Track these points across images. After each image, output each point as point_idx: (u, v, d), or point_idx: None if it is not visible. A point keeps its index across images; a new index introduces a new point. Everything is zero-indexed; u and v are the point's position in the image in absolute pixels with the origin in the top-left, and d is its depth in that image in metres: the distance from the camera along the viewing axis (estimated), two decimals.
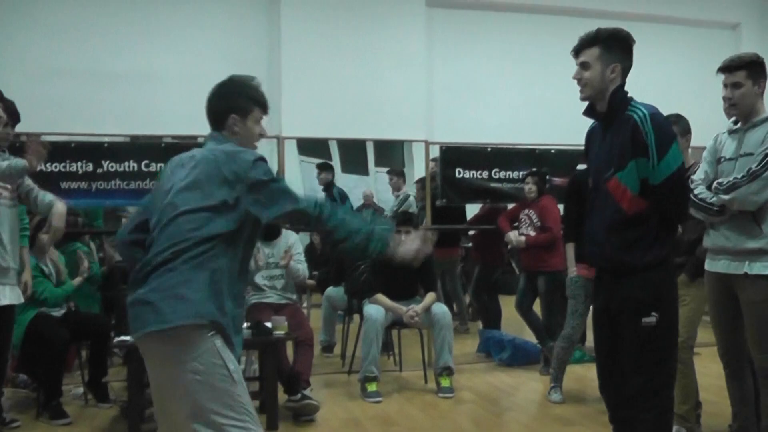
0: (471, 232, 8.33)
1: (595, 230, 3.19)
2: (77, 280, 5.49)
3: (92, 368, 5.38)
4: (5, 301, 4.28)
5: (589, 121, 3.33)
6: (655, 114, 3.03)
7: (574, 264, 5.41)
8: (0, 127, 4.27)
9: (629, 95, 3.11)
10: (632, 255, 3.05)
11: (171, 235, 2.55)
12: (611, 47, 3.10)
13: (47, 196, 4.41)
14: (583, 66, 3.12)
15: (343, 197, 8.99)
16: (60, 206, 4.33)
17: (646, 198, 3.03)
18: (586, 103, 3.21)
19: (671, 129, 3.09)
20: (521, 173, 6.95)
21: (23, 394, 5.60)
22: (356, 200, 9.40)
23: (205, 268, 2.51)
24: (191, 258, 2.50)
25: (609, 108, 3.12)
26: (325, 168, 9.17)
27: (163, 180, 2.78)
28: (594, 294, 3.39)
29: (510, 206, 7.01)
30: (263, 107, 2.87)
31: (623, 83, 3.13)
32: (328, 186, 9.07)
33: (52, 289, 5.24)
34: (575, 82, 3.15)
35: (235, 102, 2.81)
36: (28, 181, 4.45)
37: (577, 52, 3.16)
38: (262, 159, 2.65)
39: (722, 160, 3.80)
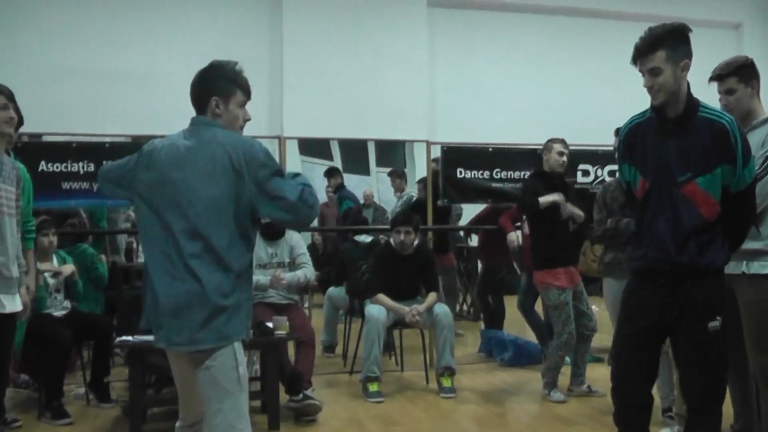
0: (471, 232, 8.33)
1: (662, 235, 3.04)
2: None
3: (94, 368, 5.38)
4: (9, 309, 4.27)
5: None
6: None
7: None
8: (13, 129, 4.26)
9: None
10: (704, 259, 2.99)
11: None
12: (677, 45, 2.98)
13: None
14: (653, 72, 2.97)
15: (342, 198, 9.00)
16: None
17: (722, 204, 3.01)
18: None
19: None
20: (523, 173, 6.95)
21: (25, 394, 5.60)
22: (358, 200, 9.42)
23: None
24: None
25: (685, 111, 3.01)
26: (332, 174, 9.18)
27: (165, 173, 2.77)
28: (633, 296, 3.17)
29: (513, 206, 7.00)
30: (245, 90, 2.88)
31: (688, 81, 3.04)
32: (338, 189, 9.09)
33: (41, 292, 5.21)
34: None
35: (217, 85, 2.83)
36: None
37: (638, 58, 3.01)
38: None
39: None
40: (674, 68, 2.97)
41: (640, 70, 3.03)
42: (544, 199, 5.41)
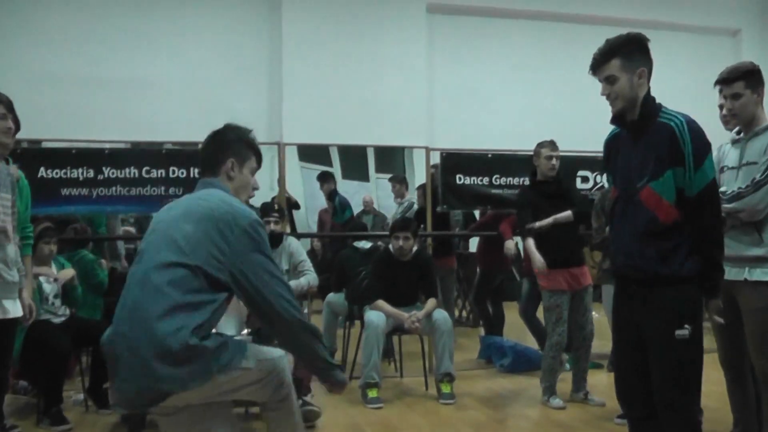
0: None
1: (625, 241, 3.11)
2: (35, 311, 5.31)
3: (93, 374, 5.37)
4: (10, 315, 4.27)
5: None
6: (690, 122, 3.00)
7: (537, 254, 5.44)
8: (11, 138, 4.27)
9: (657, 101, 3.08)
10: (668, 267, 2.98)
11: None
12: (631, 53, 3.04)
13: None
14: (609, 80, 3.05)
15: (344, 205, 9.01)
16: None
17: (680, 208, 2.99)
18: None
19: (706, 138, 3.02)
20: (522, 179, 6.96)
21: (23, 400, 5.59)
22: (356, 206, 9.41)
23: None
24: None
25: (641, 116, 3.06)
26: (325, 179, 9.19)
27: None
28: (617, 305, 3.25)
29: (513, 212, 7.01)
30: (259, 159, 2.92)
31: (649, 87, 3.08)
32: (331, 195, 9.09)
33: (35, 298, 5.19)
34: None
35: (236, 147, 2.85)
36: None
37: (595, 68, 3.09)
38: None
39: (725, 169, 3.81)
40: (630, 76, 3.03)
41: (599, 80, 3.10)
42: (538, 225, 5.44)
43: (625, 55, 3.03)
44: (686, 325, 2.95)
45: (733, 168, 3.76)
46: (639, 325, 3.08)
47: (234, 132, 2.89)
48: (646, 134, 3.06)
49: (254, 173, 2.92)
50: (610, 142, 3.28)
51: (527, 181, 6.89)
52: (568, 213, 5.47)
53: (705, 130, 4.34)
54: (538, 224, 5.43)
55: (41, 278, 5.31)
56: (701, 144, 2.97)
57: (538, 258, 5.39)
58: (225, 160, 2.82)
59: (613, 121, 3.16)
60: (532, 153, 5.68)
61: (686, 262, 2.99)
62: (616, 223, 3.19)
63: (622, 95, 3.05)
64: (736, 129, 3.83)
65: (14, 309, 4.28)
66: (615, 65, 3.03)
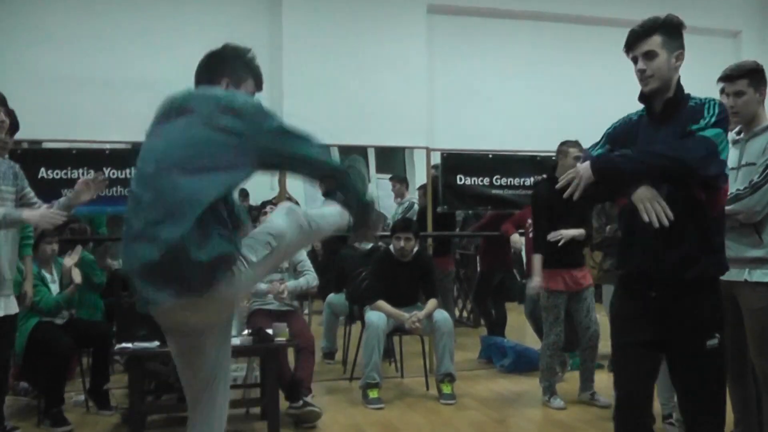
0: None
1: (650, 241, 2.84)
2: (68, 290, 5.37)
3: (94, 375, 5.38)
4: (4, 312, 4.27)
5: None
6: (722, 103, 2.88)
7: (540, 274, 5.39)
8: (2, 133, 4.27)
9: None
10: (694, 270, 2.81)
11: None
12: (672, 33, 2.89)
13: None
14: (648, 56, 2.86)
15: None
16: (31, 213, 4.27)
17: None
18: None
19: (728, 118, 2.90)
20: (522, 180, 6.96)
21: (24, 401, 5.59)
22: None
23: None
24: None
25: (673, 98, 2.88)
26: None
27: None
28: (635, 324, 2.95)
29: (515, 212, 7.01)
30: (258, 81, 2.70)
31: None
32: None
33: (48, 297, 5.23)
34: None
35: (231, 66, 2.64)
36: (29, 192, 4.43)
37: (634, 43, 2.90)
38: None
39: None
40: (669, 55, 2.87)
41: (633, 57, 2.92)
42: (552, 238, 5.38)
43: (667, 33, 2.88)
44: (716, 334, 2.84)
45: (732, 169, 3.76)
46: (658, 334, 2.89)
47: (231, 51, 2.67)
48: (673, 120, 2.87)
49: (253, 95, 2.67)
50: (622, 129, 3.05)
51: (528, 182, 6.90)
52: (581, 231, 5.41)
53: None
54: (552, 237, 5.35)
55: (47, 277, 5.32)
56: (723, 117, 2.79)
57: (537, 279, 5.38)
58: (219, 80, 2.61)
59: (642, 98, 2.95)
60: (533, 153, 5.67)
61: (713, 263, 2.86)
62: (634, 224, 2.87)
63: (659, 74, 2.86)
64: (736, 129, 3.83)
65: (8, 306, 4.29)
66: (656, 41, 2.87)
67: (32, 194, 4.41)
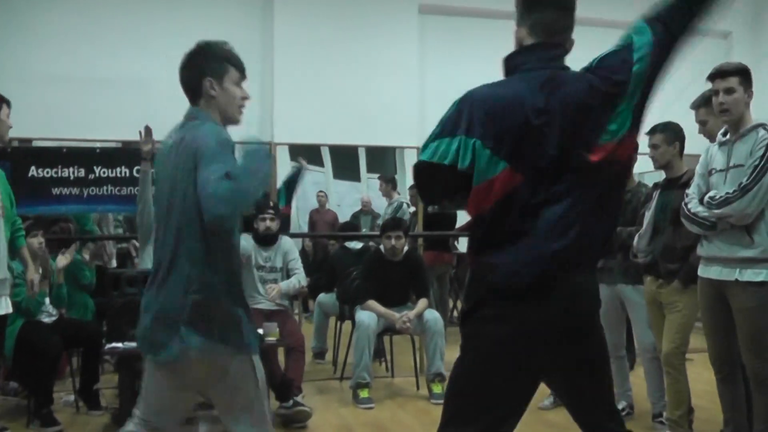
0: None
1: None
2: (43, 284, 5.19)
3: (84, 375, 5.35)
4: (1, 311, 4.26)
5: None
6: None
7: None
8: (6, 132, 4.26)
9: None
10: None
11: None
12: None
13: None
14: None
15: None
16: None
17: None
18: None
19: None
20: None
21: (13, 401, 5.56)
22: (348, 206, 9.41)
23: None
24: None
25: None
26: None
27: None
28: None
29: None
30: (239, 68, 2.76)
31: None
32: None
33: (29, 297, 5.18)
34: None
35: (208, 65, 2.71)
36: None
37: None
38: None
39: (713, 171, 3.83)
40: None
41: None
42: None
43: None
44: None
45: (721, 171, 3.78)
46: None
47: (204, 50, 2.75)
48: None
49: (240, 83, 2.75)
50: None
51: None
52: None
53: (695, 131, 4.39)
54: None
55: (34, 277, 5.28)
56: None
57: None
58: (202, 82, 2.69)
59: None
60: None
61: None
62: None
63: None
64: (722, 130, 3.85)
65: (5, 305, 4.27)
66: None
67: None
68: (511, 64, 2.36)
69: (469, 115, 2.21)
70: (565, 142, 2.17)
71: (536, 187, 2.16)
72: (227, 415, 2.73)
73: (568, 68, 2.33)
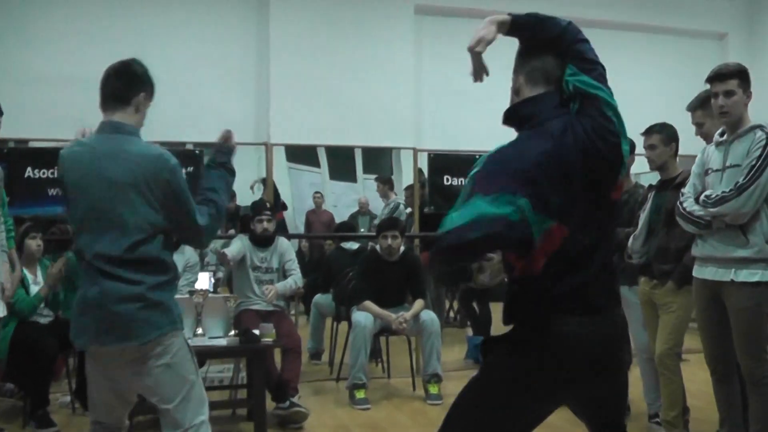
0: None
1: None
2: (42, 290, 5.28)
3: (80, 376, 5.34)
4: None
5: None
6: None
7: None
8: None
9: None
10: None
11: None
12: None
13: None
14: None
15: None
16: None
17: None
18: None
19: None
20: None
21: (10, 402, 5.56)
22: (345, 207, 9.42)
23: None
24: None
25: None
26: None
27: None
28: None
29: None
30: (153, 89, 3.08)
31: None
32: None
33: (25, 298, 5.17)
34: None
35: (148, 81, 3.02)
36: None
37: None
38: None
39: (709, 171, 3.84)
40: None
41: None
42: None
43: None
44: None
45: (717, 170, 3.79)
46: None
47: (142, 67, 3.06)
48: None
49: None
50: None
51: None
52: None
53: (692, 132, 4.40)
54: None
55: (28, 278, 5.28)
56: None
57: None
58: (138, 93, 2.97)
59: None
60: None
61: None
62: None
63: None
64: (720, 131, 3.86)
65: None
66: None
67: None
68: (523, 113, 2.49)
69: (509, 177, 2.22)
70: (596, 187, 2.21)
71: (580, 237, 2.18)
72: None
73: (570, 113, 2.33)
